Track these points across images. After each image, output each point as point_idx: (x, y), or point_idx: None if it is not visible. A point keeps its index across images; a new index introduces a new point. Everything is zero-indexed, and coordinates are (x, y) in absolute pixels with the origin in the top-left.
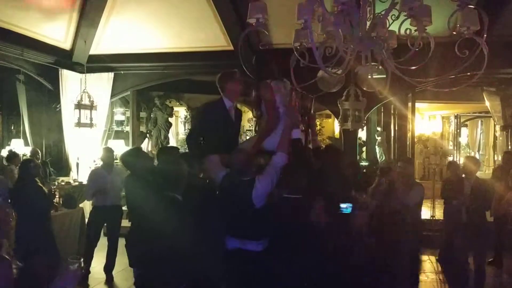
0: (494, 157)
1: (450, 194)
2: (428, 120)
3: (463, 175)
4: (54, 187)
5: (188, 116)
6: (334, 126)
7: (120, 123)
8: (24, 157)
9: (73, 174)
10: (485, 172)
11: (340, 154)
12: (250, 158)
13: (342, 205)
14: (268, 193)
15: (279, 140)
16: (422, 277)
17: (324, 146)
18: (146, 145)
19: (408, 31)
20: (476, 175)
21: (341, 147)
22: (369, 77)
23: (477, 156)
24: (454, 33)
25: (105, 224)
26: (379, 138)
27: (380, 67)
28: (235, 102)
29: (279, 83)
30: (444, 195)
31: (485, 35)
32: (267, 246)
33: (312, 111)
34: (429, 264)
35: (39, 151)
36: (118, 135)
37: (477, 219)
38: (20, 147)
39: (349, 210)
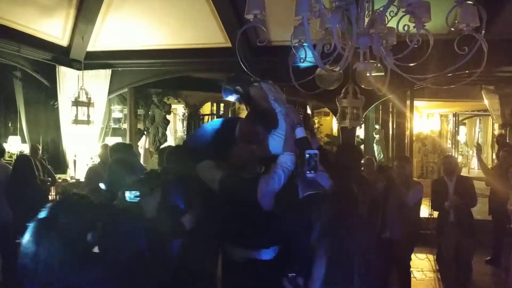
0: (492, 156)
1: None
2: (427, 118)
3: (444, 176)
4: (49, 183)
5: (186, 114)
6: (332, 124)
7: (118, 120)
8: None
9: (70, 171)
10: None
11: (360, 153)
12: (252, 152)
13: (127, 193)
14: (275, 194)
15: (285, 140)
16: (420, 275)
17: (340, 145)
18: (144, 143)
19: (406, 27)
20: (460, 174)
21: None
22: (368, 74)
23: (475, 154)
24: (453, 29)
25: None
26: (377, 136)
27: (379, 64)
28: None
29: (267, 84)
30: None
31: (483, 31)
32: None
33: (305, 112)
34: (427, 262)
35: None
36: (116, 132)
37: (464, 218)
38: (17, 144)
39: (135, 199)
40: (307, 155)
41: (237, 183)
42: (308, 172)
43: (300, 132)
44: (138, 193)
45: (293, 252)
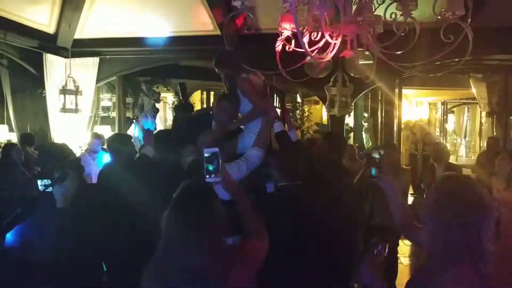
0: (480, 143)
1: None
2: (416, 106)
3: (433, 162)
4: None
5: (176, 102)
6: (322, 112)
7: (107, 109)
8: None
9: None
10: (470, 158)
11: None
12: (218, 140)
13: (38, 181)
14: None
15: (256, 136)
16: (406, 261)
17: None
18: (133, 131)
19: (393, 15)
20: (449, 161)
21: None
22: (356, 63)
23: (463, 142)
24: (439, 17)
25: None
26: (366, 124)
27: (367, 52)
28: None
29: (254, 76)
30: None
31: (469, 20)
32: None
33: (285, 105)
34: (412, 248)
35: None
36: (105, 121)
37: None
38: (5, 133)
39: (47, 188)
40: (206, 155)
41: (197, 168)
42: (208, 176)
43: (278, 127)
44: (49, 182)
45: None
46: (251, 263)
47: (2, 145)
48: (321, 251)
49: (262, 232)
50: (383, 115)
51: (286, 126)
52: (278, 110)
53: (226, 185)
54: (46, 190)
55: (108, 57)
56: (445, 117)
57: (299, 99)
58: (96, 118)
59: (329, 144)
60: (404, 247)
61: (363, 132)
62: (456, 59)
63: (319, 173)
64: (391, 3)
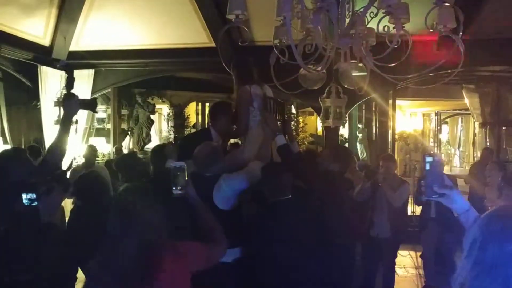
0: (473, 154)
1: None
2: (410, 117)
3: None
4: None
5: (171, 114)
6: (316, 123)
7: (102, 120)
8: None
9: None
10: (465, 168)
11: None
12: (217, 152)
13: (23, 195)
14: (235, 196)
15: (258, 148)
16: (402, 272)
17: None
18: (128, 143)
19: (386, 28)
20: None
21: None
22: (350, 74)
23: (457, 153)
24: (431, 30)
25: None
26: (360, 135)
27: (360, 64)
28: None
29: (258, 88)
30: None
31: (461, 33)
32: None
33: (286, 117)
34: (409, 259)
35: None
36: (99, 132)
37: (445, 214)
38: None
39: (32, 202)
40: (172, 168)
41: (196, 180)
42: (174, 188)
43: (280, 140)
44: (34, 196)
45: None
46: (185, 262)
47: None
48: (318, 262)
49: (219, 241)
50: (377, 125)
51: (287, 137)
52: (279, 123)
53: (190, 199)
54: (32, 205)
55: (103, 69)
56: (439, 127)
57: (293, 110)
58: (91, 130)
59: (334, 155)
60: (400, 258)
61: (357, 143)
62: (449, 71)
63: (318, 186)
64: (384, 17)
